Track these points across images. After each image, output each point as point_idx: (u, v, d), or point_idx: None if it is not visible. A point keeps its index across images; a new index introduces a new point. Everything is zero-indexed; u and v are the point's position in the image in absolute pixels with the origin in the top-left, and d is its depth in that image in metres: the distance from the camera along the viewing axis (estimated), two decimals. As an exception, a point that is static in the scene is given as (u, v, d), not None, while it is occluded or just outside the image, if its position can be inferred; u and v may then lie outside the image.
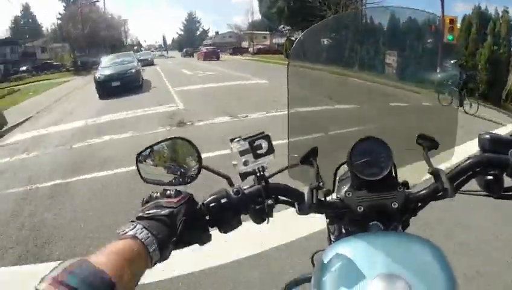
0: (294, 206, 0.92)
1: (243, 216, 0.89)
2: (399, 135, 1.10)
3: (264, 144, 0.92)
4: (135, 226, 0.74)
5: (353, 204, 0.89)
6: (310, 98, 1.24)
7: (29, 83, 30.89)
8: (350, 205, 0.89)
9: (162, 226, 0.77)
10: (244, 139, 0.92)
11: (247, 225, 0.93)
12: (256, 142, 0.92)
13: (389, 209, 0.88)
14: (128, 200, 4.83)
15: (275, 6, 38.31)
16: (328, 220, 1.02)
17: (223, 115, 9.73)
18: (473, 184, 0.91)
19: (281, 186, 0.91)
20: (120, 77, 16.42)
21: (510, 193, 0.89)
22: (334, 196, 0.99)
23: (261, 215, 0.88)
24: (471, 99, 10.43)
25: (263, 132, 0.94)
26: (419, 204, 0.92)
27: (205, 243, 0.87)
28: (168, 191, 0.85)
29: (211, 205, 0.85)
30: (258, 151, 0.92)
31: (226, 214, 0.86)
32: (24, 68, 42.73)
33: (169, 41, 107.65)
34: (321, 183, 0.92)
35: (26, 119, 12.43)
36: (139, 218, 0.78)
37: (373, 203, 0.89)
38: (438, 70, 1.29)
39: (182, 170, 0.95)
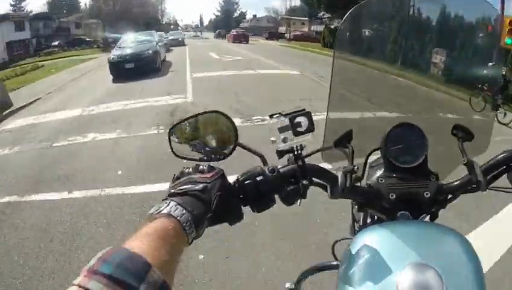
0: (326, 190, 0.90)
1: None
2: (433, 124, 1.10)
3: (304, 122, 0.89)
4: (169, 204, 0.71)
5: (385, 191, 0.88)
6: (348, 94, 1.20)
7: (58, 58, 31.16)
8: (382, 191, 0.88)
9: (196, 202, 0.74)
10: (285, 116, 0.89)
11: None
12: (297, 119, 0.89)
13: (421, 198, 0.87)
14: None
15: (315, -11, 35.83)
16: (356, 207, 1.02)
17: (233, 116, 7.50)
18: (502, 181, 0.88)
19: (316, 167, 0.88)
20: (134, 59, 14.66)
21: None
22: (363, 182, 0.95)
23: (294, 196, 0.84)
24: (506, 108, 9.17)
25: (304, 109, 0.91)
26: (450, 196, 0.91)
27: (236, 222, 0.82)
28: (201, 167, 0.82)
29: (246, 182, 0.82)
30: (298, 129, 0.89)
31: (262, 191, 0.82)
32: (56, 43, 42.63)
33: (206, 22, 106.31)
34: (355, 168, 0.88)
35: (34, 101, 11.75)
36: (171, 195, 0.76)
37: (405, 191, 0.88)
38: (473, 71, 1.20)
39: (216, 145, 0.90)
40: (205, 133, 0.91)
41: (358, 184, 0.92)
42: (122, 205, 4.19)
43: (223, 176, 0.81)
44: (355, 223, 1.08)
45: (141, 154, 5.78)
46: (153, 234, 0.63)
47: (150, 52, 15.30)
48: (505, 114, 9.02)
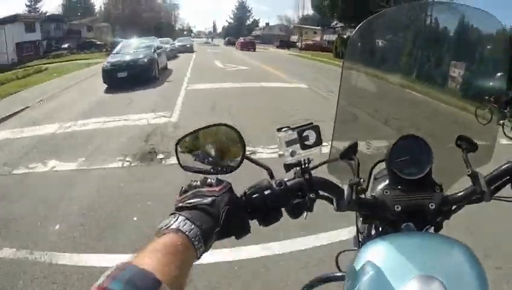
0: (332, 203, 0.89)
1: None
2: (437, 135, 1.11)
3: (312, 135, 0.90)
4: (177, 219, 0.71)
5: (390, 203, 0.88)
6: (357, 105, 1.20)
7: (64, 61, 30.91)
8: (387, 203, 0.88)
9: (205, 216, 0.74)
10: (293, 129, 0.89)
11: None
12: (305, 133, 0.89)
13: (426, 209, 0.87)
14: None
15: (328, -2, 34.58)
16: (360, 219, 1.01)
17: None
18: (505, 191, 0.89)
19: (322, 180, 0.88)
20: (128, 67, 13.44)
21: None
22: (368, 194, 0.95)
23: (301, 209, 0.84)
24: None
25: (312, 123, 0.92)
26: (454, 207, 0.91)
27: (243, 236, 0.81)
28: (209, 180, 0.81)
29: (254, 196, 0.82)
30: (306, 142, 0.89)
31: (269, 205, 0.82)
32: (65, 46, 41.93)
33: (219, 29, 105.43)
34: (361, 180, 0.89)
35: (22, 110, 10.72)
36: (179, 209, 0.75)
37: (410, 202, 0.88)
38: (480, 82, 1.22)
39: (223, 158, 0.90)
40: (213, 146, 0.91)
41: (363, 196, 0.91)
42: (45, 282, 2.95)
43: (230, 190, 0.81)
44: (360, 235, 1.06)
45: (92, 203, 4.42)
46: (162, 249, 0.63)
47: (145, 60, 14.09)
48: None
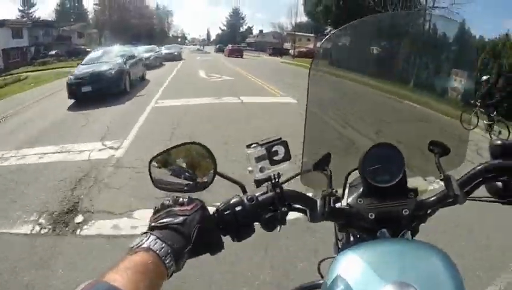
0: (306, 214, 0.89)
1: None
2: (410, 140, 1.09)
3: (281, 150, 0.90)
4: (148, 237, 0.71)
5: (364, 211, 0.88)
6: (329, 107, 1.20)
7: (50, 69, 29.54)
8: (361, 211, 0.88)
9: (176, 235, 0.74)
10: (262, 145, 0.90)
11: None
12: (273, 148, 0.90)
13: (400, 216, 0.87)
14: None
15: (321, 4, 33.13)
16: (337, 227, 1.01)
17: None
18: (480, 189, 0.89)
19: (294, 193, 0.88)
20: (93, 80, 11.64)
21: None
22: (344, 202, 0.94)
23: (274, 223, 0.84)
24: (501, 126, 8.62)
25: (280, 138, 0.92)
26: (429, 211, 0.91)
27: (217, 252, 0.82)
28: (181, 199, 0.81)
29: (225, 212, 0.82)
30: (275, 158, 0.89)
31: (241, 221, 0.82)
32: (53, 52, 40.18)
33: (214, 36, 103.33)
34: (334, 191, 0.90)
35: None
36: (151, 228, 0.75)
37: (384, 210, 0.87)
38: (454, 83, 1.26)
39: (196, 176, 0.91)
40: (185, 164, 0.91)
41: (339, 204, 0.91)
42: None
43: (202, 208, 0.81)
44: (339, 242, 1.04)
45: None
46: (132, 267, 0.63)
47: (113, 72, 12.23)
48: (500, 132, 8.43)
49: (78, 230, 3.97)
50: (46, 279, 3.15)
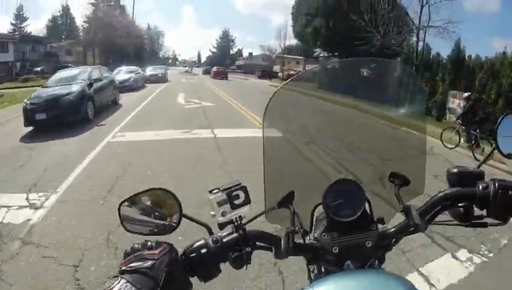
0: (271, 251, 0.90)
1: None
2: (371, 171, 1.12)
3: (241, 195, 0.91)
4: (119, 281, 0.73)
5: (328, 245, 0.88)
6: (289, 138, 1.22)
7: (31, 86, 27.45)
8: (326, 246, 0.89)
9: (146, 279, 0.75)
10: (222, 191, 0.91)
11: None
12: (234, 193, 0.91)
13: (363, 248, 0.87)
14: None
15: (311, 25, 32.14)
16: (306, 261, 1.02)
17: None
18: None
19: (257, 233, 0.89)
20: (48, 107, 10.15)
21: (480, 221, 0.89)
22: (311, 236, 0.96)
23: (240, 262, 0.85)
24: (485, 143, 8.36)
25: (240, 183, 0.93)
26: (393, 240, 0.91)
27: None
28: (149, 243, 0.82)
29: (191, 255, 0.83)
30: (235, 202, 0.90)
31: (206, 263, 0.84)
32: (39, 69, 38.70)
33: (204, 58, 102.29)
34: (297, 227, 0.90)
35: None
36: (122, 272, 0.76)
37: (348, 243, 0.88)
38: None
39: (163, 219, 0.91)
40: (153, 208, 0.91)
41: (307, 238, 0.91)
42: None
43: (170, 251, 0.81)
44: (311, 273, 1.02)
45: None
46: None
47: (71, 97, 10.68)
48: (483, 149, 8.32)
49: None
50: None
